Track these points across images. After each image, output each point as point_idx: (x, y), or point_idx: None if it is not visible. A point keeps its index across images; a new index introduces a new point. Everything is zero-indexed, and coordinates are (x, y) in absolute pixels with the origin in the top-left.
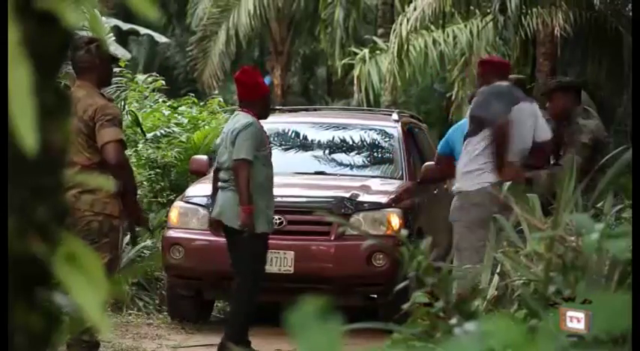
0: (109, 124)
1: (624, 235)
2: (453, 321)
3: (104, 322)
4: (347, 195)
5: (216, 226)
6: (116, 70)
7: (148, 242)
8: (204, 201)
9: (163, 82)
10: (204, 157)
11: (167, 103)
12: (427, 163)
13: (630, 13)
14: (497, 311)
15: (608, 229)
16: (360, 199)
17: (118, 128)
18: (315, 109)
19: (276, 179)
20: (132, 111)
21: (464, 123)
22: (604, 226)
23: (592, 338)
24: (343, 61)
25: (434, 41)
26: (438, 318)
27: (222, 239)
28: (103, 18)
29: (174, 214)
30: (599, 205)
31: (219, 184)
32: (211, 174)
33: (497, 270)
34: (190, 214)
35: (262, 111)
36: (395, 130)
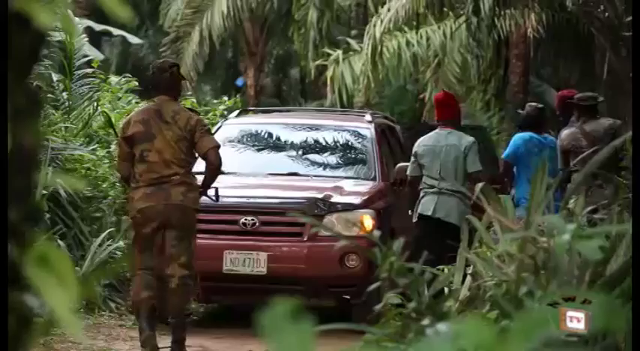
0: (208, 133)
1: (595, 236)
2: (425, 322)
3: (75, 323)
4: (320, 196)
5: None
6: (89, 70)
7: (121, 243)
8: None
9: (136, 83)
10: None
11: (140, 104)
12: (400, 164)
13: (602, 15)
14: (469, 312)
15: (580, 230)
16: (333, 200)
17: (213, 136)
18: (288, 110)
19: (249, 180)
20: (105, 112)
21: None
22: (575, 226)
23: (563, 339)
24: (317, 62)
25: (407, 42)
26: (410, 319)
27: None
28: (76, 19)
29: None
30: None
31: (443, 190)
32: None
33: (470, 271)
34: None
35: (458, 127)
36: (368, 131)
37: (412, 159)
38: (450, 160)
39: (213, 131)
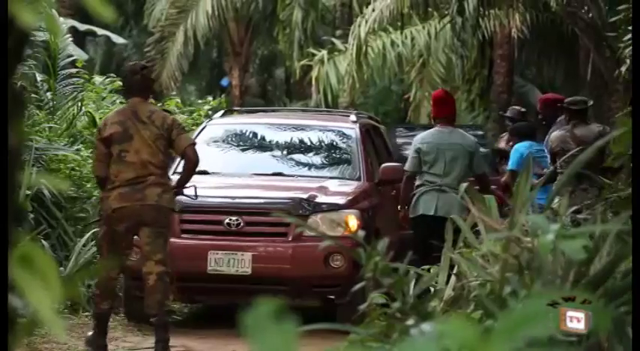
0: (184, 132)
1: (579, 236)
2: (410, 321)
3: (58, 323)
4: (305, 196)
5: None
6: (73, 70)
7: None
8: None
9: (120, 83)
10: None
11: (124, 104)
12: (385, 165)
13: (586, 15)
14: (453, 312)
15: (564, 230)
16: (317, 200)
17: (189, 134)
18: (273, 110)
19: (234, 180)
20: (89, 112)
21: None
22: (559, 226)
23: (547, 338)
24: (301, 63)
25: (392, 43)
26: (394, 319)
27: (178, 241)
28: (60, 18)
29: None
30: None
31: (444, 187)
32: (170, 175)
33: (454, 271)
34: None
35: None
36: (353, 131)
37: (413, 155)
38: (455, 159)
39: (197, 131)
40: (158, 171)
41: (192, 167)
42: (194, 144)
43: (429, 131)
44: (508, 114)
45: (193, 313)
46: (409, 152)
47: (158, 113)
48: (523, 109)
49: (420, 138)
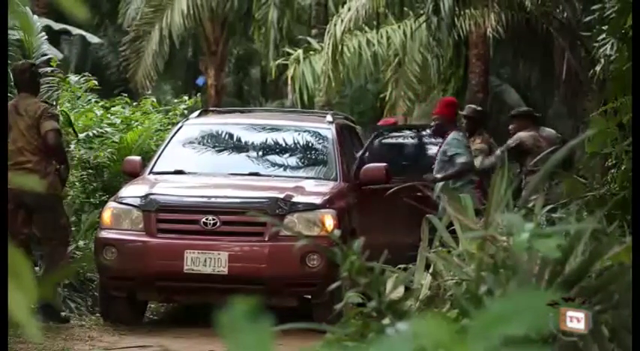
0: (49, 118)
1: (554, 235)
2: (386, 321)
3: (32, 324)
4: (281, 196)
5: None
6: (48, 70)
7: (81, 243)
8: (137, 201)
9: (96, 82)
10: (138, 158)
11: (100, 104)
12: (368, 165)
13: (560, 15)
14: (429, 311)
15: (539, 229)
16: (294, 200)
17: (55, 121)
18: (249, 111)
19: (210, 180)
20: (64, 111)
21: None
22: (534, 225)
23: (522, 337)
24: (277, 62)
25: (368, 42)
26: (370, 318)
27: (154, 240)
28: (35, 17)
29: (107, 215)
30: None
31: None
32: (147, 175)
33: (430, 270)
34: (123, 214)
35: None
36: (329, 131)
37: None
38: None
39: (174, 131)
40: (34, 158)
41: (51, 150)
42: (56, 130)
43: (462, 134)
44: (464, 112)
45: (170, 313)
46: (462, 151)
47: (34, 105)
48: (479, 108)
49: (460, 141)
